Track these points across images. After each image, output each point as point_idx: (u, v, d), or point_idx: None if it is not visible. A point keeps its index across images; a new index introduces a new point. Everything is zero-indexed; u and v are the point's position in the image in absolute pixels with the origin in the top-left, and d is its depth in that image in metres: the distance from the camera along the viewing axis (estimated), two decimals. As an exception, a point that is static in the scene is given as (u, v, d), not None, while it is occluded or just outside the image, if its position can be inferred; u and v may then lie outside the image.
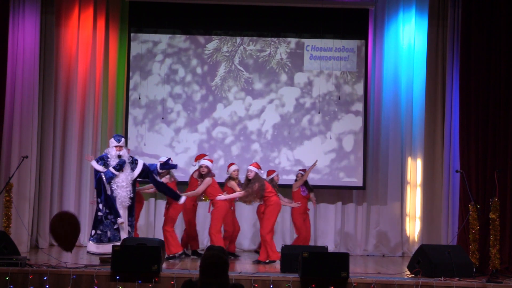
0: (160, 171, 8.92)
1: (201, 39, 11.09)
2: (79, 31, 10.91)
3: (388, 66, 11.08)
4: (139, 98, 10.93)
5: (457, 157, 9.65)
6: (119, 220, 8.47)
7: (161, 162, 9.00)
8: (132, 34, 11.03)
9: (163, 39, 11.05)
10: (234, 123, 11.03)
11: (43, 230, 10.46)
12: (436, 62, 10.71)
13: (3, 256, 7.78)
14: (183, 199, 8.99)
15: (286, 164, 10.99)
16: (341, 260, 7.60)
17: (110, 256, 8.30)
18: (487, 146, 9.35)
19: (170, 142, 10.99)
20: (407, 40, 11.04)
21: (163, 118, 10.96)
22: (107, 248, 8.41)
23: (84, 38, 10.95)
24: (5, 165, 9.84)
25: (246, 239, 11.09)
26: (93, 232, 8.58)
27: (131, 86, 10.98)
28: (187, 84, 11.05)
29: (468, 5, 9.61)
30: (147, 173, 8.77)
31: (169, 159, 9.14)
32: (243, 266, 8.79)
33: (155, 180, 8.84)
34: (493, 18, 9.47)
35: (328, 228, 11.05)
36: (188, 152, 11.00)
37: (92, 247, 8.57)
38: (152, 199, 11.04)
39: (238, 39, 11.07)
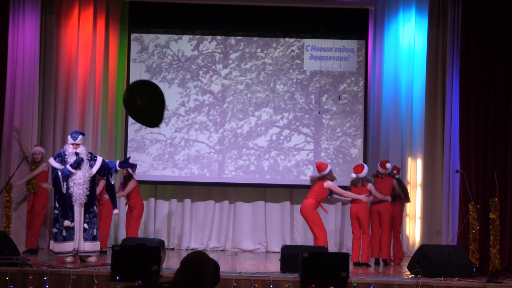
0: (118, 168, 8.72)
1: (201, 39, 11.09)
2: (79, 31, 10.90)
3: (388, 66, 11.07)
4: (139, 98, 10.91)
5: (457, 157, 9.65)
6: (66, 222, 8.34)
7: (121, 160, 8.88)
8: (132, 34, 11.03)
9: (163, 39, 11.06)
10: (234, 123, 11.02)
11: (43, 230, 10.45)
12: (436, 62, 10.71)
13: (3, 256, 7.78)
14: (115, 211, 8.90)
15: (287, 164, 10.98)
16: (341, 260, 7.60)
17: (89, 255, 8.38)
18: (487, 146, 9.35)
19: (170, 142, 10.99)
20: (407, 40, 11.03)
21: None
22: (62, 247, 8.37)
23: (84, 38, 10.95)
24: (5, 165, 9.84)
25: (246, 239, 11.09)
26: (53, 230, 8.55)
27: (131, 86, 10.96)
28: (187, 84, 11.05)
29: (468, 5, 9.61)
30: (105, 170, 8.64)
31: (129, 157, 9.10)
32: (243, 266, 8.79)
33: (108, 179, 8.70)
34: (493, 18, 9.47)
35: (328, 228, 11.03)
36: (186, 153, 10.99)
37: (52, 245, 8.55)
38: (152, 199, 11.05)
39: (238, 39, 11.07)
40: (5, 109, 9.71)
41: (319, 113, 10.99)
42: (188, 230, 11.03)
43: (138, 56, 11.01)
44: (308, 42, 11.07)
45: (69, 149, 8.54)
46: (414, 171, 10.91)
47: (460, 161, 9.50)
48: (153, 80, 10.98)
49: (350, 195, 9.40)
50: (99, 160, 8.67)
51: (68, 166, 8.43)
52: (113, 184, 8.83)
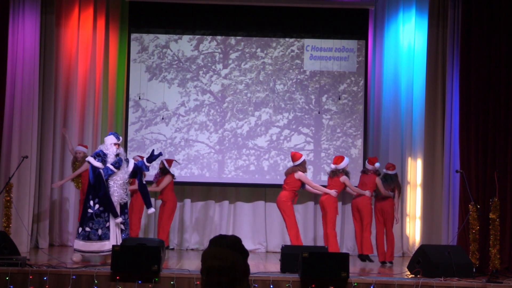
0: (148, 164, 8.70)
1: (201, 39, 11.09)
2: (79, 31, 10.91)
3: (388, 66, 11.08)
4: (139, 98, 10.93)
5: (457, 157, 9.65)
6: (118, 219, 8.36)
7: (147, 157, 8.81)
8: (132, 34, 11.03)
9: (163, 39, 11.06)
10: (234, 123, 11.02)
11: (43, 230, 10.46)
12: (436, 62, 10.71)
13: (3, 256, 7.77)
14: (151, 210, 8.86)
15: (287, 164, 10.98)
16: (341, 260, 7.60)
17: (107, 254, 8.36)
18: (487, 146, 9.35)
19: (170, 142, 10.99)
20: (407, 40, 11.03)
21: (163, 118, 10.96)
22: (95, 246, 8.32)
23: (84, 38, 10.95)
24: (5, 165, 9.83)
25: (246, 239, 11.08)
26: (80, 229, 8.41)
27: (131, 86, 10.98)
28: (187, 84, 11.05)
29: (468, 5, 9.61)
30: (136, 171, 8.66)
31: (153, 150, 8.96)
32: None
33: (141, 179, 8.76)
34: (493, 18, 9.47)
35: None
36: (186, 153, 10.99)
37: (79, 244, 8.38)
38: (152, 199, 10.98)
39: (238, 39, 11.07)
40: (5, 109, 9.70)
41: (319, 113, 10.99)
42: (188, 230, 11.03)
43: (138, 56, 11.01)
44: (308, 42, 11.07)
45: (111, 149, 8.48)
46: (414, 171, 10.91)
47: (460, 161, 9.49)
48: (153, 80, 11.00)
49: (320, 188, 9.57)
50: (132, 162, 8.71)
51: (109, 165, 8.41)
52: (145, 183, 8.83)
